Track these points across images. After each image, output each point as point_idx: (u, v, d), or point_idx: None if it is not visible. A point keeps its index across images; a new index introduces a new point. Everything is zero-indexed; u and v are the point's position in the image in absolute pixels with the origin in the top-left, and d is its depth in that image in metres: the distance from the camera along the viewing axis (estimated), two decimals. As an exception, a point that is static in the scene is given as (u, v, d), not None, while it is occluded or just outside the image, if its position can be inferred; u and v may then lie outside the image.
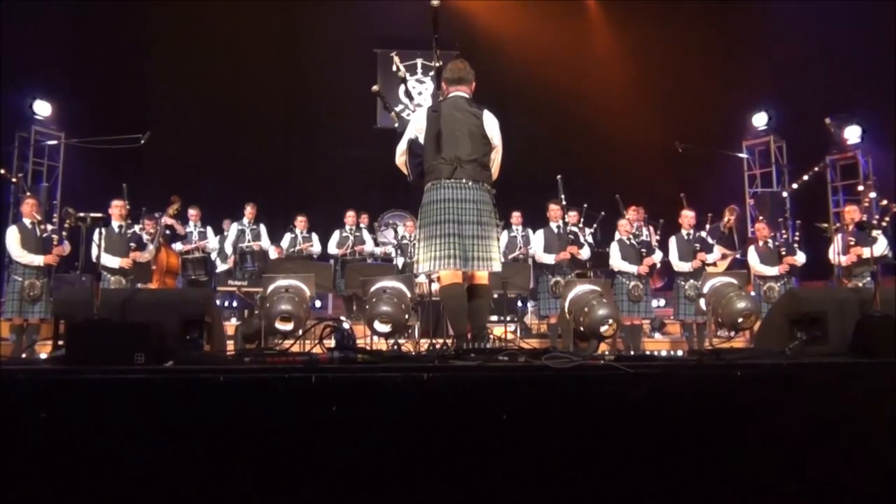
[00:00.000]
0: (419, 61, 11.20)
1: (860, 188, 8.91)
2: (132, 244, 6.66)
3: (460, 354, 3.07)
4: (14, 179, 8.89)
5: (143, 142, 7.23)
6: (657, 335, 8.26)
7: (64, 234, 6.58)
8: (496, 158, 3.95)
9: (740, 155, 10.87)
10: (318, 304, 8.64)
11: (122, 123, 8.07)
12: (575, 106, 10.82)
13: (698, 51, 10.75)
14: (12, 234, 6.36)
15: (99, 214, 3.13)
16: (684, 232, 7.18)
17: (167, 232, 7.73)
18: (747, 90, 10.88)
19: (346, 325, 3.01)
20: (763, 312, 5.81)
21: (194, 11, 10.68)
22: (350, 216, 8.69)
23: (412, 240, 7.95)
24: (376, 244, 8.98)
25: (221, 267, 8.62)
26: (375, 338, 5.29)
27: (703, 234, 7.32)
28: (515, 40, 11.10)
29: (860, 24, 8.77)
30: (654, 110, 10.58)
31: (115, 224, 6.65)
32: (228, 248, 8.36)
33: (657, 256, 7.09)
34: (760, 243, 7.28)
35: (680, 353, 7.09)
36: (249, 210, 8.49)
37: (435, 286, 5.67)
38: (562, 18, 10.75)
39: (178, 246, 8.10)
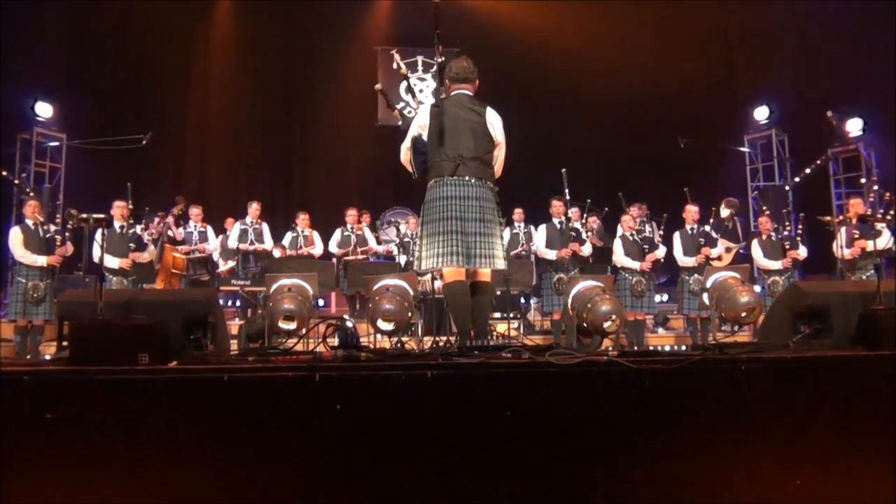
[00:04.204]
0: (420, 59, 11.19)
1: (863, 181, 8.89)
2: (131, 245, 6.67)
3: (464, 352, 3.08)
4: (16, 181, 8.91)
5: (144, 142, 7.23)
6: (661, 330, 8.26)
7: (67, 235, 6.59)
8: (499, 156, 3.95)
9: (742, 149, 10.85)
10: (321, 302, 8.64)
11: (124, 124, 8.09)
12: (577, 102, 10.81)
13: (699, 45, 10.73)
14: (15, 236, 6.37)
15: (101, 215, 3.12)
16: (688, 227, 7.18)
17: (169, 232, 7.74)
18: (748, 84, 10.86)
19: (349, 324, 3.01)
20: (767, 306, 5.81)
21: (195, 11, 10.71)
22: (351, 214, 8.67)
23: (414, 237, 7.95)
24: (378, 242, 8.97)
25: (224, 266, 8.63)
26: (379, 336, 5.30)
27: (707, 228, 7.31)
28: (517, 36, 11.08)
29: (861, 16, 8.74)
30: (656, 105, 10.56)
31: (116, 225, 6.66)
32: (233, 244, 8.35)
33: (660, 252, 7.09)
34: (764, 237, 7.28)
35: (683, 347, 7.09)
36: (255, 207, 8.43)
37: (438, 283, 5.68)
38: (562, 15, 10.73)
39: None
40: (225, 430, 2.26)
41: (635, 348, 6.55)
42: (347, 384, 2.33)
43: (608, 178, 9.03)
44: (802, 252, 7.18)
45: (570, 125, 10.84)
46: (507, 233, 7.70)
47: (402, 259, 8.05)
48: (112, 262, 6.48)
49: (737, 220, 8.24)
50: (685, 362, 2.54)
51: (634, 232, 7.09)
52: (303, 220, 8.51)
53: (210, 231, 8.34)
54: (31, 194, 7.88)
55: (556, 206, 7.16)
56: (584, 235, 7.28)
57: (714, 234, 7.33)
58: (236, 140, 10.78)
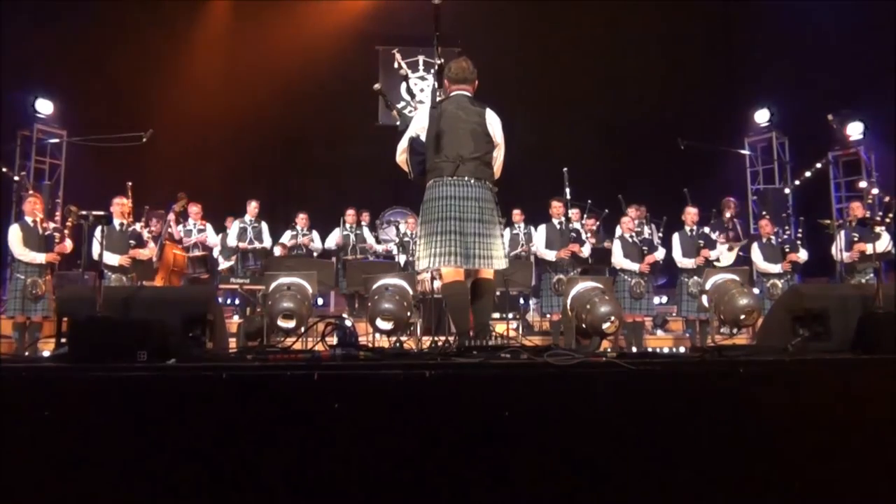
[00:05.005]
0: (421, 58, 11.18)
1: (863, 184, 8.90)
2: (132, 241, 6.67)
3: (462, 352, 3.08)
4: (16, 178, 8.91)
5: (144, 140, 7.23)
6: (659, 332, 8.26)
7: (66, 232, 6.59)
8: (499, 157, 3.95)
9: (742, 151, 10.85)
10: (320, 301, 8.64)
11: (124, 121, 8.08)
12: (577, 103, 10.81)
13: (700, 47, 10.74)
14: (14, 233, 6.38)
15: (101, 212, 3.12)
16: (687, 228, 7.18)
17: (169, 230, 7.74)
18: (749, 86, 10.86)
19: (348, 323, 3.01)
20: (766, 309, 5.81)
21: (196, 9, 10.70)
22: (350, 214, 8.68)
23: (413, 237, 7.96)
24: (378, 242, 8.98)
25: (223, 265, 8.63)
26: (377, 335, 5.31)
27: (706, 230, 7.32)
28: (517, 37, 11.09)
29: (863, 19, 8.75)
30: (657, 107, 10.57)
31: (116, 222, 6.66)
32: (232, 242, 8.35)
33: (659, 254, 7.09)
34: (763, 240, 7.29)
35: (682, 349, 7.10)
36: (253, 206, 8.46)
37: (437, 283, 5.69)
38: (563, 15, 10.73)
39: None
40: (223, 429, 2.26)
41: (634, 350, 6.56)
42: (346, 383, 2.32)
43: (608, 180, 9.05)
44: (803, 255, 7.19)
45: (569, 126, 10.83)
46: (506, 233, 7.70)
47: (402, 259, 8.06)
48: (112, 259, 6.48)
49: (736, 222, 8.27)
50: (684, 364, 2.54)
51: (633, 233, 7.10)
52: (302, 219, 8.55)
53: (210, 229, 8.35)
54: (31, 191, 7.88)
55: (556, 206, 7.17)
56: (583, 236, 7.28)
57: (714, 236, 7.34)
58: (236, 139, 10.77)
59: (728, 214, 8.15)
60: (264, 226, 8.53)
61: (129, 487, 2.20)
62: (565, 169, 6.82)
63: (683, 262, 7.09)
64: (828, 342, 3.31)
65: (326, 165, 11.10)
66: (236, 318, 7.85)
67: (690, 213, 7.22)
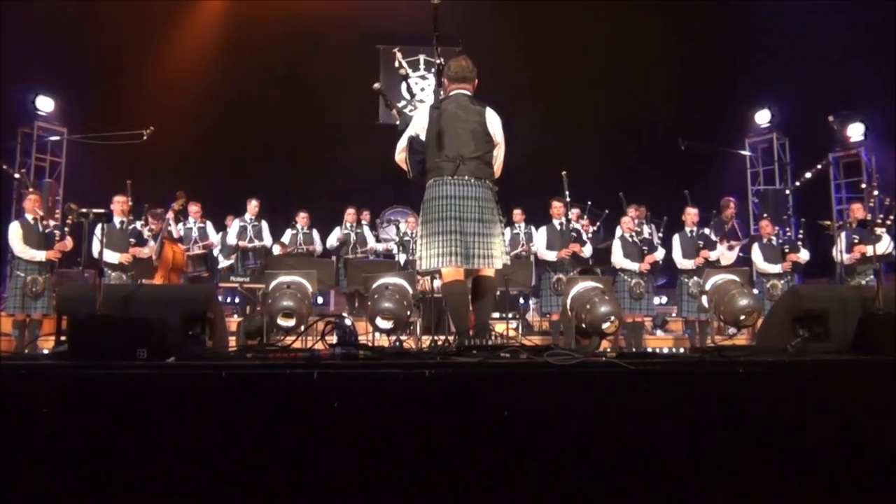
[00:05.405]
0: (421, 57, 11.18)
1: (863, 186, 8.91)
2: (132, 240, 6.67)
3: (462, 351, 3.07)
4: (17, 175, 8.91)
5: (145, 137, 7.23)
6: (659, 332, 8.27)
7: (66, 229, 6.59)
8: (499, 156, 3.94)
9: (743, 152, 10.85)
10: (320, 300, 8.64)
11: (125, 119, 8.08)
12: (577, 103, 10.81)
13: (701, 48, 10.73)
14: (14, 230, 6.38)
15: (101, 210, 3.12)
16: (687, 229, 7.18)
17: (169, 228, 7.74)
18: (750, 87, 10.87)
19: (347, 322, 3.00)
20: (766, 310, 5.81)
21: (196, 7, 10.71)
22: (350, 213, 8.68)
23: (414, 236, 7.96)
24: (378, 241, 8.98)
25: (223, 263, 8.63)
26: (377, 334, 5.31)
27: (707, 231, 7.32)
28: (517, 37, 11.08)
29: (863, 20, 8.75)
30: (657, 107, 10.57)
31: (116, 220, 6.66)
32: (232, 241, 8.35)
33: (659, 254, 7.09)
34: (764, 240, 7.29)
35: (682, 350, 7.10)
36: (253, 205, 8.46)
37: (437, 283, 5.69)
38: (564, 15, 10.73)
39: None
40: (222, 427, 2.26)
41: (634, 350, 6.56)
42: (345, 382, 2.32)
43: (608, 180, 9.02)
44: (804, 255, 7.19)
45: (570, 126, 10.84)
46: (507, 233, 7.70)
47: (402, 258, 8.06)
48: (111, 257, 6.48)
49: (735, 222, 8.27)
50: (683, 365, 2.54)
51: (633, 233, 7.10)
52: (303, 217, 8.55)
53: (210, 227, 8.34)
54: (31, 189, 7.88)
55: (557, 207, 7.18)
56: (584, 237, 7.29)
57: (714, 237, 7.34)
58: (236, 137, 10.77)
59: (728, 213, 8.16)
60: (264, 224, 8.53)
61: (128, 486, 2.20)
62: (564, 172, 6.83)
63: (683, 263, 7.09)
64: (827, 343, 3.31)
65: (326, 164, 11.09)
66: (236, 317, 7.85)
67: (691, 214, 7.22)
